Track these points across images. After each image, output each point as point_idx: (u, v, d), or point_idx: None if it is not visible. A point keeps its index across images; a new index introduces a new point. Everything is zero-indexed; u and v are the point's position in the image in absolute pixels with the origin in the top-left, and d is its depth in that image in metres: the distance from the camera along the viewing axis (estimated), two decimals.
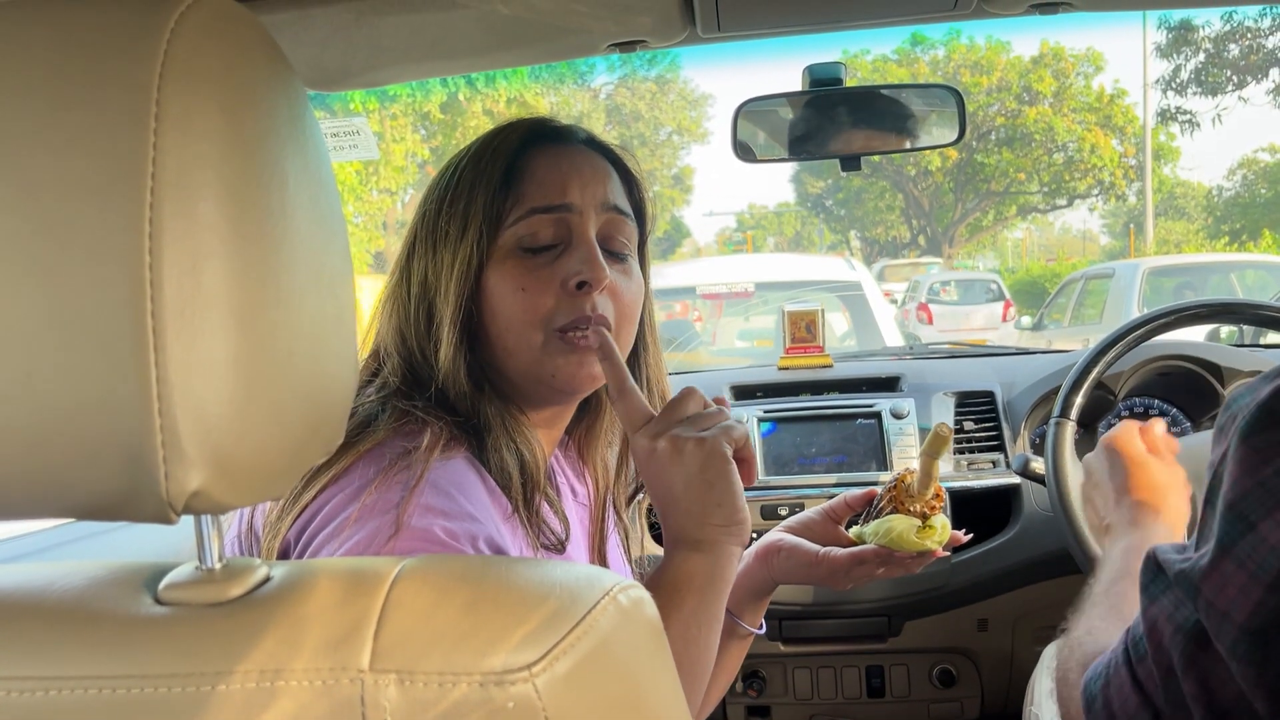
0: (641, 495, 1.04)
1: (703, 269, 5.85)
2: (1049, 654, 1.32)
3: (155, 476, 0.40)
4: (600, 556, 0.98)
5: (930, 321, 11.51)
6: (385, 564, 0.47)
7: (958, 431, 1.75)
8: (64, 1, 0.44)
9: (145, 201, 0.40)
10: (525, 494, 0.85)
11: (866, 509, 1.08)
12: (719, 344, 5.54)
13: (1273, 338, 1.53)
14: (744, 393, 1.89)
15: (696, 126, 27.35)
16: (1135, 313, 7.92)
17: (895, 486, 1.02)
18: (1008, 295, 12.20)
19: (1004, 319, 11.14)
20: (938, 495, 1.01)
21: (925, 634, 1.74)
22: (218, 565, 0.47)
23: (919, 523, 0.99)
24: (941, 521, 1.00)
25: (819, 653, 1.77)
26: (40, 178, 0.40)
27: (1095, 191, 22.17)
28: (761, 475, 1.72)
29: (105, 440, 0.40)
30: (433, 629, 0.43)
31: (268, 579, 0.47)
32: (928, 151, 1.59)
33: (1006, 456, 1.72)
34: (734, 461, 0.84)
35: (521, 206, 0.87)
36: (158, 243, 0.40)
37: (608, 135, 0.93)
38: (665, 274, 5.38)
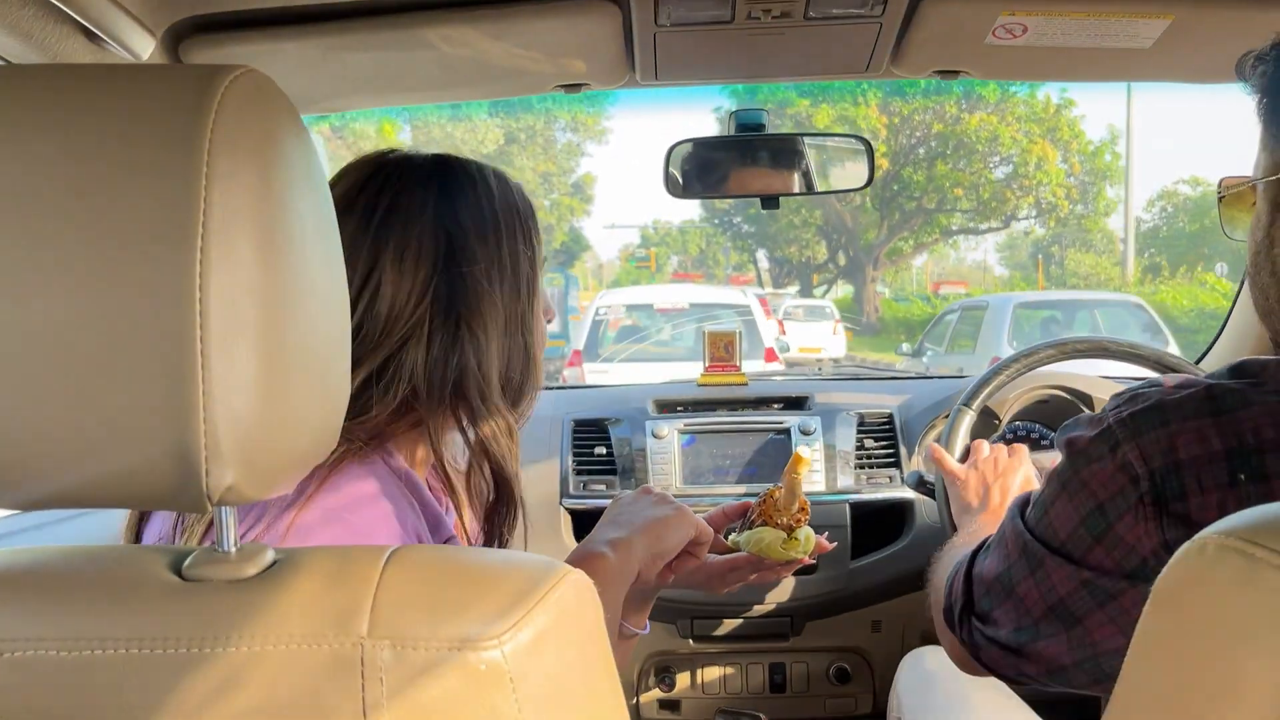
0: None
1: (655, 292, 9.20)
2: (905, 664, 1.47)
3: (198, 474, 0.49)
4: None
5: (784, 334, 16.42)
6: (376, 550, 0.56)
7: (859, 449, 1.89)
8: (129, 71, 0.52)
9: (196, 246, 0.48)
10: (419, 498, 0.89)
11: (743, 519, 1.17)
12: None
13: (1141, 372, 1.72)
14: (665, 407, 1.99)
15: (594, 122, 23.96)
16: (1005, 342, 8.53)
17: (765, 501, 1.12)
18: (837, 316, 17.79)
19: (834, 333, 16.65)
20: (803, 509, 1.11)
21: (824, 634, 1.87)
22: (233, 549, 0.55)
23: (785, 535, 1.09)
24: (805, 533, 1.10)
25: (726, 650, 1.88)
26: (109, 225, 0.48)
27: (1033, 214, 20.82)
28: (679, 485, 1.83)
29: (157, 444, 0.49)
30: (419, 603, 0.52)
31: (275, 562, 0.56)
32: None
33: (901, 472, 1.87)
34: (683, 531, 1.04)
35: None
36: (205, 280, 0.48)
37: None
38: (630, 294, 9.19)
